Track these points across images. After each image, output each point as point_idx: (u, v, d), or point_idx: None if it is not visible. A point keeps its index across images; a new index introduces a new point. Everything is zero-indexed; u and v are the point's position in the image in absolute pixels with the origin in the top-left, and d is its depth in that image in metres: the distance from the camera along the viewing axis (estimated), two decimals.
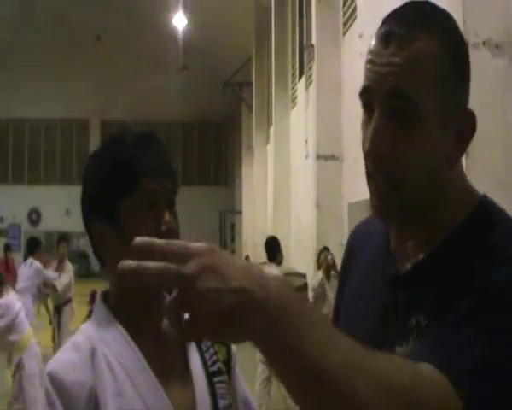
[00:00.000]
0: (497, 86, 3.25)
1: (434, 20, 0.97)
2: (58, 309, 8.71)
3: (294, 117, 13.73)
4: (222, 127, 29.72)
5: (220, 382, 1.30)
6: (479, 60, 3.28)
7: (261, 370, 6.80)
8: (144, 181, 1.21)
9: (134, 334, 1.23)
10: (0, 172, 29.20)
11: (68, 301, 8.72)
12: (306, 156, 11.06)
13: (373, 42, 0.98)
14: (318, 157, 9.23)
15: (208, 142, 29.61)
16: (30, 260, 8.55)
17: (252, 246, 18.34)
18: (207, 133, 29.53)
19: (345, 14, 9.35)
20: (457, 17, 3.78)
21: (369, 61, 0.97)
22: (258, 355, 6.44)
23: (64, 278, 8.61)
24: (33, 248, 8.74)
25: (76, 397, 1.14)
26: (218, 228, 26.20)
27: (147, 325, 1.26)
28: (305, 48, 11.71)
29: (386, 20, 0.98)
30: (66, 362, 1.20)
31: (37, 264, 8.44)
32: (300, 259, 10.86)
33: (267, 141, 17.35)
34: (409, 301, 0.99)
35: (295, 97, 13.66)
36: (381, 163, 0.95)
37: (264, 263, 7.04)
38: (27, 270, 8.46)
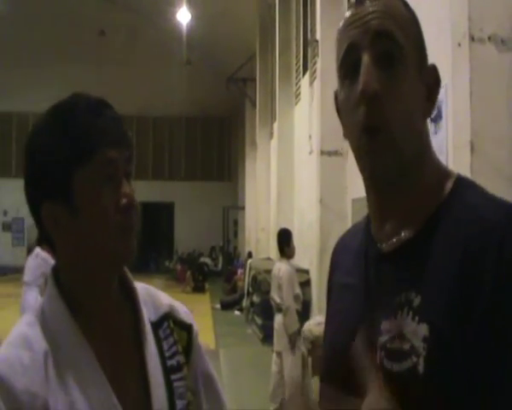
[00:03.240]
0: (503, 81, 3.23)
1: None
2: None
3: (298, 113, 13.70)
4: (225, 123, 29.69)
5: (179, 379, 1.18)
6: (484, 55, 3.26)
7: (274, 362, 6.83)
8: (101, 150, 1.08)
9: (84, 323, 1.10)
10: (3, 166, 29.22)
11: None
12: (310, 152, 11.04)
13: (347, 14, 1.05)
14: (322, 153, 9.20)
15: (212, 137, 29.58)
16: (36, 251, 8.49)
17: (254, 242, 18.34)
18: (211, 129, 29.49)
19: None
20: (462, 12, 3.77)
21: (349, 25, 1.03)
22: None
23: None
24: (42, 241, 8.52)
25: None
26: (221, 224, 26.21)
27: (98, 313, 1.13)
28: (309, 43, 11.66)
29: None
30: (15, 362, 1.01)
31: (44, 254, 8.35)
32: (303, 255, 10.84)
33: (271, 136, 17.32)
34: (396, 277, 1.00)
35: (299, 93, 13.63)
36: (375, 100, 0.97)
37: (268, 259, 6.99)
38: (34, 261, 8.39)
